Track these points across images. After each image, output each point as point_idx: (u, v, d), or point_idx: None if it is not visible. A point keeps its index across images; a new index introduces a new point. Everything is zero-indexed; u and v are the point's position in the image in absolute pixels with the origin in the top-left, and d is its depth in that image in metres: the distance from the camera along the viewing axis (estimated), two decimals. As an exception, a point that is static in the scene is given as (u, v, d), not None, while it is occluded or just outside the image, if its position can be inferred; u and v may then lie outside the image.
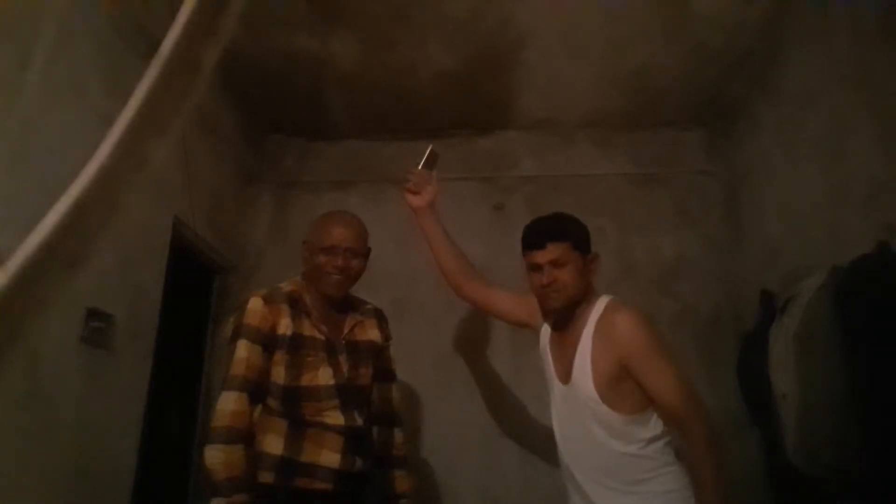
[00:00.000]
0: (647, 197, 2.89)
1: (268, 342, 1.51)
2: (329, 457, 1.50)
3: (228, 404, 1.43)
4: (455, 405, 2.66)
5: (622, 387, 1.40)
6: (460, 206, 2.97)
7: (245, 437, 1.43)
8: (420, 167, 1.83)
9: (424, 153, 1.83)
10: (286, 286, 1.65)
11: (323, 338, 1.60)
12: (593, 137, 3.01)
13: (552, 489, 2.57)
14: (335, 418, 1.53)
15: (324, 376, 1.55)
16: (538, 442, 2.59)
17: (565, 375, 1.51)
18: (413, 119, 2.96)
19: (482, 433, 2.62)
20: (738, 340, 2.43)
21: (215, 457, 1.38)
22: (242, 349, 1.48)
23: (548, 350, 1.62)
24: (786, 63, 2.26)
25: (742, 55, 2.43)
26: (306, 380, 1.52)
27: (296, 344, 1.54)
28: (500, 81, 2.66)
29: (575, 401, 1.47)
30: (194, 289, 2.72)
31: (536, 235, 1.57)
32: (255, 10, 2.15)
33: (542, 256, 1.53)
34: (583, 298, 1.54)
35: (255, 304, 1.54)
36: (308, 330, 1.58)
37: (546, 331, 1.65)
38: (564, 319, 1.56)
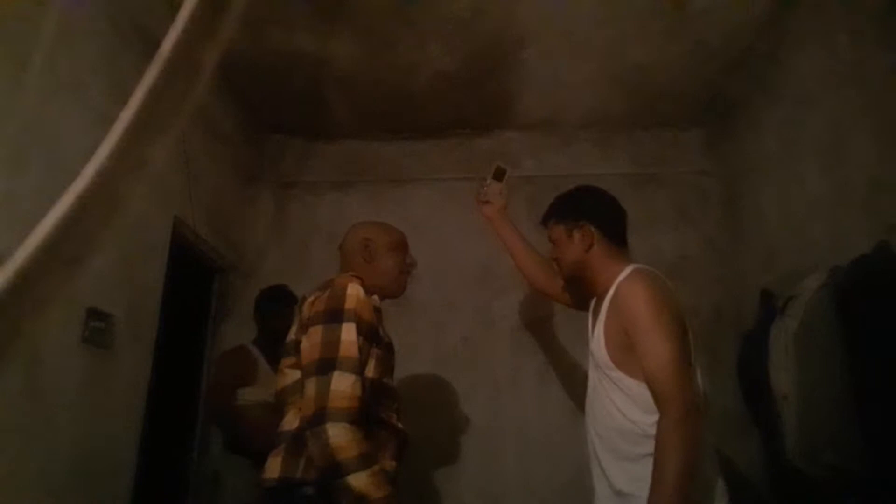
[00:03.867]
0: (647, 197, 2.89)
1: (373, 338, 1.39)
2: (391, 465, 1.39)
3: (346, 386, 1.27)
4: (455, 405, 2.66)
5: (630, 353, 1.39)
6: (460, 206, 2.97)
7: (361, 423, 1.29)
8: (489, 180, 1.97)
9: (493, 168, 1.98)
10: (362, 279, 1.50)
11: (387, 339, 1.52)
12: (593, 137, 3.01)
13: (552, 488, 2.57)
14: (399, 423, 1.46)
15: (392, 379, 1.49)
16: (538, 442, 2.59)
17: (591, 340, 1.54)
18: (413, 119, 2.96)
19: (482, 433, 2.62)
20: (738, 340, 2.43)
21: (343, 434, 1.22)
22: (352, 333, 1.33)
23: (589, 318, 1.62)
24: (786, 63, 2.26)
25: (742, 55, 2.43)
26: (388, 380, 1.45)
27: (382, 342, 1.45)
28: (500, 81, 2.66)
29: (594, 364, 1.50)
30: (194, 289, 2.72)
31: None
32: (255, 10, 2.15)
33: (547, 236, 1.65)
34: (595, 268, 1.53)
35: (360, 292, 1.39)
36: (382, 329, 1.49)
37: (592, 303, 1.66)
38: (594, 290, 1.57)
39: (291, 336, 1.46)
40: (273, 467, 1.32)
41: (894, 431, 1.45)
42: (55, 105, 1.59)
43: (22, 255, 0.29)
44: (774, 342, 1.91)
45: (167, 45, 0.32)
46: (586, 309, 1.70)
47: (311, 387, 1.29)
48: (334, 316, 1.35)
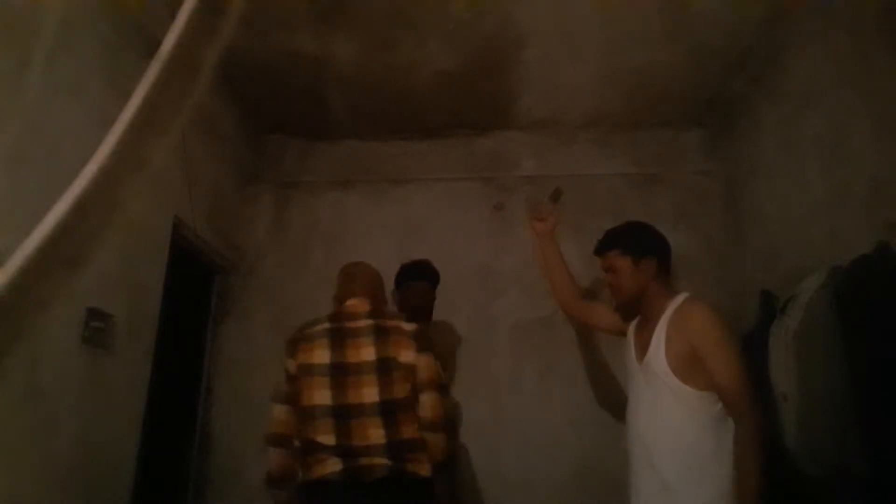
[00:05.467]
0: (647, 197, 2.89)
1: None
2: None
3: (447, 405, 1.75)
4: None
5: (692, 366, 1.57)
6: (460, 206, 2.97)
7: None
8: (546, 200, 2.07)
9: (552, 190, 2.09)
10: None
11: None
12: (593, 137, 3.01)
13: (552, 488, 2.57)
14: None
15: None
16: (538, 441, 2.59)
17: (641, 355, 1.70)
18: (413, 119, 2.96)
19: (482, 433, 2.62)
20: (738, 340, 2.43)
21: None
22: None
23: (632, 338, 1.80)
24: (786, 63, 2.26)
25: (742, 55, 2.43)
26: None
27: None
28: (500, 81, 2.66)
29: (647, 376, 1.65)
30: (194, 289, 2.72)
31: (596, 245, 1.85)
32: (255, 10, 2.15)
33: (600, 263, 1.84)
34: (652, 294, 1.73)
35: None
36: None
37: (634, 323, 1.85)
38: (647, 312, 1.75)
39: (388, 356, 1.63)
40: (423, 467, 1.58)
41: (894, 431, 1.45)
42: (55, 105, 1.59)
43: (22, 255, 0.29)
44: (774, 342, 1.91)
45: (167, 45, 0.32)
46: (614, 332, 1.95)
47: (433, 400, 1.63)
48: (430, 346, 1.70)
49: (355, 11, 2.21)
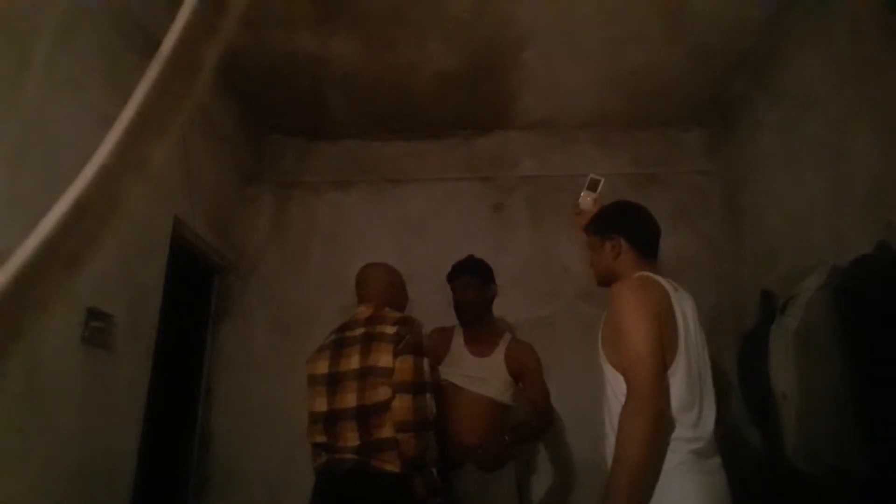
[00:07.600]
0: (647, 197, 2.87)
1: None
2: None
3: (432, 404, 1.80)
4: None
5: (617, 352, 1.47)
6: (460, 206, 2.97)
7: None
8: (584, 191, 2.03)
9: (587, 180, 2.05)
10: None
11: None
12: (593, 137, 3.01)
13: (553, 488, 2.57)
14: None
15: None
16: (538, 443, 2.59)
17: None
18: (413, 119, 2.96)
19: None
20: (738, 340, 2.43)
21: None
22: (427, 364, 1.83)
23: None
24: (786, 63, 2.26)
25: (742, 55, 2.43)
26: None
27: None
28: (500, 81, 2.67)
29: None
30: (194, 289, 2.72)
31: None
32: (255, 10, 2.15)
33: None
34: (619, 276, 1.64)
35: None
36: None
37: None
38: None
39: (368, 364, 1.74)
40: (390, 464, 1.68)
41: (894, 431, 1.45)
42: (55, 105, 1.59)
43: (22, 255, 0.29)
44: (774, 342, 1.91)
45: (167, 45, 0.32)
46: None
47: (402, 402, 1.69)
48: (418, 350, 1.77)
49: (355, 11, 2.21)
